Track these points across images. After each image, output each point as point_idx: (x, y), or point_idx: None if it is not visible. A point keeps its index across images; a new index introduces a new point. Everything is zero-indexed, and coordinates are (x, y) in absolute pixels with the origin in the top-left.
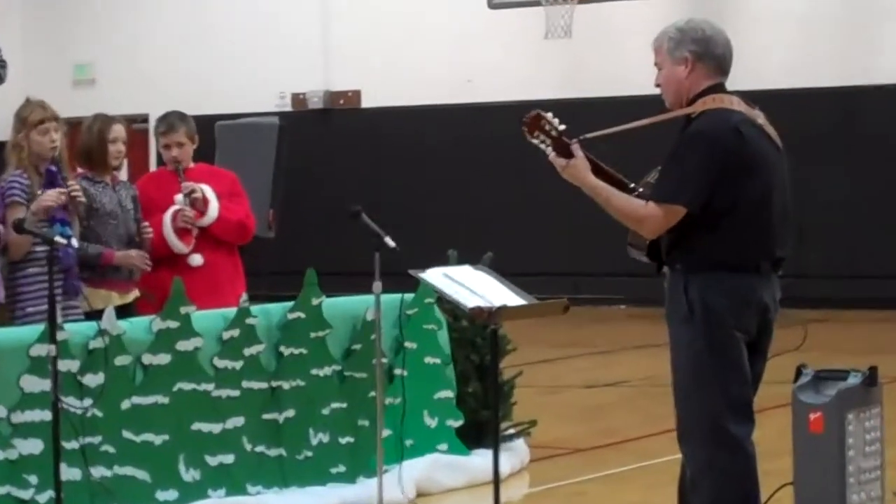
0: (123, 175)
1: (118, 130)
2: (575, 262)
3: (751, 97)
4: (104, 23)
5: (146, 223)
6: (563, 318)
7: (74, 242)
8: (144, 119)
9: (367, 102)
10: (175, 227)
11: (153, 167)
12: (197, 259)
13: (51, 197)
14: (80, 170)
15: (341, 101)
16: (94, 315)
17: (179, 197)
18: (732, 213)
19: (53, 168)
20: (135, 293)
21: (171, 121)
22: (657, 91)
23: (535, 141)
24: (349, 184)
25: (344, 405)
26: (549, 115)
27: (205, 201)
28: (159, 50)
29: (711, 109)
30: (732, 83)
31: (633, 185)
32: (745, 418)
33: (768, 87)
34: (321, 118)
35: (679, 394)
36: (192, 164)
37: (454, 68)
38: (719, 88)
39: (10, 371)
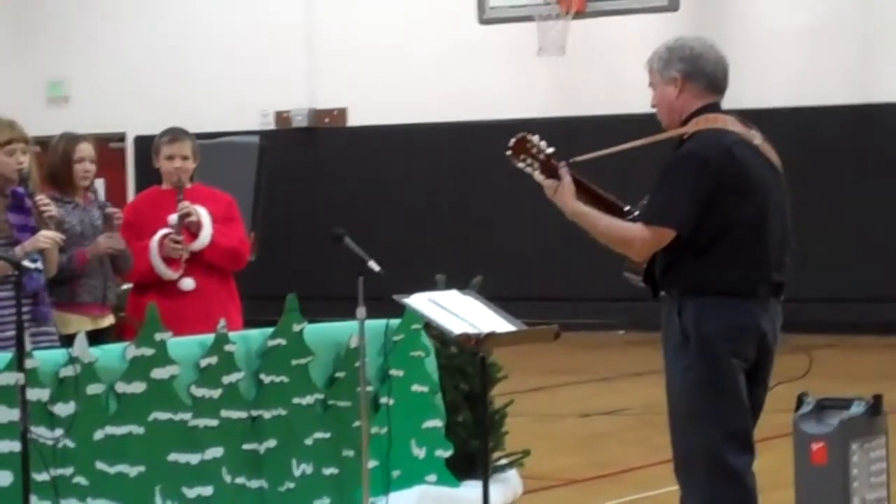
0: (101, 195)
1: (85, 150)
2: (571, 286)
3: (755, 115)
4: (79, 38)
5: (116, 210)
6: (559, 344)
7: (41, 266)
8: (121, 138)
9: (353, 121)
10: (162, 255)
11: (130, 187)
12: (188, 283)
13: (47, 238)
14: (46, 190)
15: (326, 120)
16: (68, 341)
17: (173, 217)
18: (726, 236)
19: (20, 190)
20: (109, 319)
21: (176, 132)
22: (653, 110)
23: (520, 165)
24: (334, 205)
25: (327, 435)
26: (536, 137)
27: (198, 225)
28: (137, 67)
29: (704, 130)
30: (737, 101)
31: (628, 207)
32: (744, 449)
33: (774, 104)
34: (306, 137)
35: (675, 423)
36: (188, 185)
37: (443, 85)
38: (713, 108)
39: None
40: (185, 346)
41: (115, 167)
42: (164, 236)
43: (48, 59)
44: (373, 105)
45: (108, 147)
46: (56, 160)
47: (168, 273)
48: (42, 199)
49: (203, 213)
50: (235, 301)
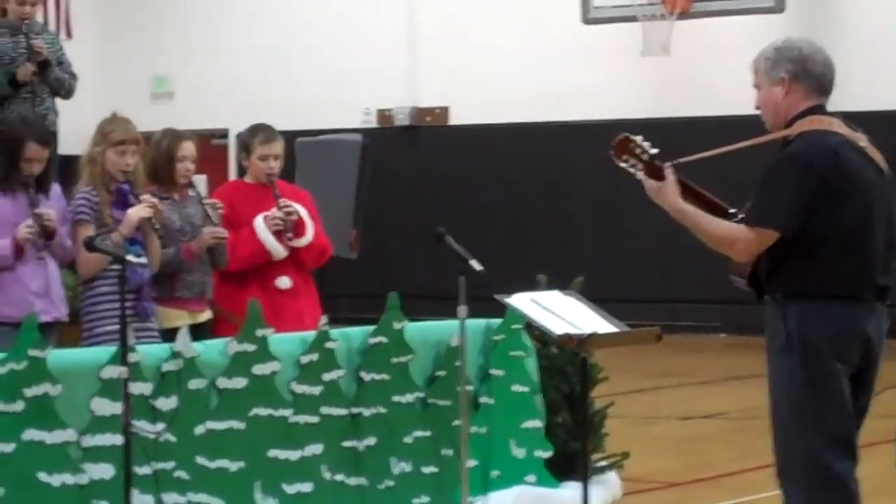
0: (202, 191)
1: (187, 148)
2: (671, 288)
3: (861, 117)
4: (184, 35)
5: (216, 201)
6: (659, 346)
7: (144, 261)
8: (224, 134)
9: (454, 119)
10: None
11: None
12: (286, 282)
13: (137, 214)
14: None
15: (428, 118)
16: (168, 335)
17: (273, 213)
18: (831, 239)
19: (125, 186)
20: (207, 314)
21: (271, 132)
22: (756, 112)
23: (623, 164)
24: (435, 203)
25: (427, 434)
26: (639, 138)
27: (300, 222)
28: (240, 64)
29: (809, 131)
30: (842, 103)
31: (733, 210)
32: (847, 455)
33: (880, 107)
34: (407, 135)
35: (778, 428)
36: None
37: (546, 85)
38: (819, 110)
39: (81, 393)
40: (286, 342)
41: (217, 163)
42: (266, 216)
43: (153, 56)
44: (474, 104)
45: (209, 143)
46: (158, 157)
47: (279, 249)
48: (148, 197)
49: (302, 211)
50: (318, 301)
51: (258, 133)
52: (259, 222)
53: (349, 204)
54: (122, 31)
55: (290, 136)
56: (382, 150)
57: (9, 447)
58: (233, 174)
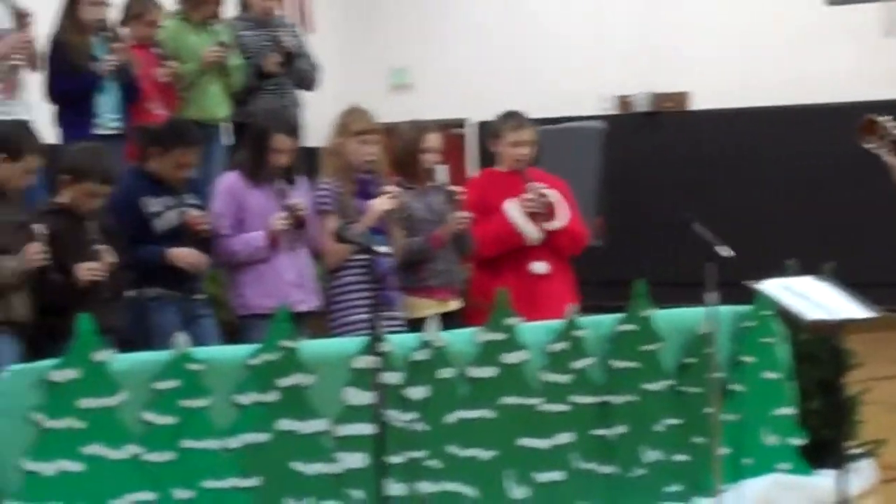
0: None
1: (432, 140)
2: None
3: None
4: (422, 27)
5: (458, 188)
6: None
7: (390, 250)
8: (460, 124)
9: (694, 105)
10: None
11: (471, 172)
12: (541, 266)
13: (381, 204)
14: (392, 177)
15: (668, 104)
16: (414, 325)
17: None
18: None
19: (368, 177)
20: (456, 302)
21: (522, 119)
22: None
23: (868, 146)
24: (678, 189)
25: (678, 421)
26: (885, 119)
27: (550, 207)
28: (478, 53)
29: None
30: None
31: None
32: None
33: None
34: (647, 121)
35: None
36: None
37: (787, 69)
38: None
39: (333, 383)
40: (534, 331)
41: (456, 153)
42: (519, 200)
43: (392, 47)
44: (715, 89)
45: (448, 133)
46: (403, 148)
47: (532, 231)
48: (390, 188)
49: (554, 195)
50: (574, 288)
51: (509, 120)
52: (509, 205)
53: (592, 191)
54: (361, 24)
55: (537, 124)
56: (623, 136)
57: (264, 437)
58: (472, 163)
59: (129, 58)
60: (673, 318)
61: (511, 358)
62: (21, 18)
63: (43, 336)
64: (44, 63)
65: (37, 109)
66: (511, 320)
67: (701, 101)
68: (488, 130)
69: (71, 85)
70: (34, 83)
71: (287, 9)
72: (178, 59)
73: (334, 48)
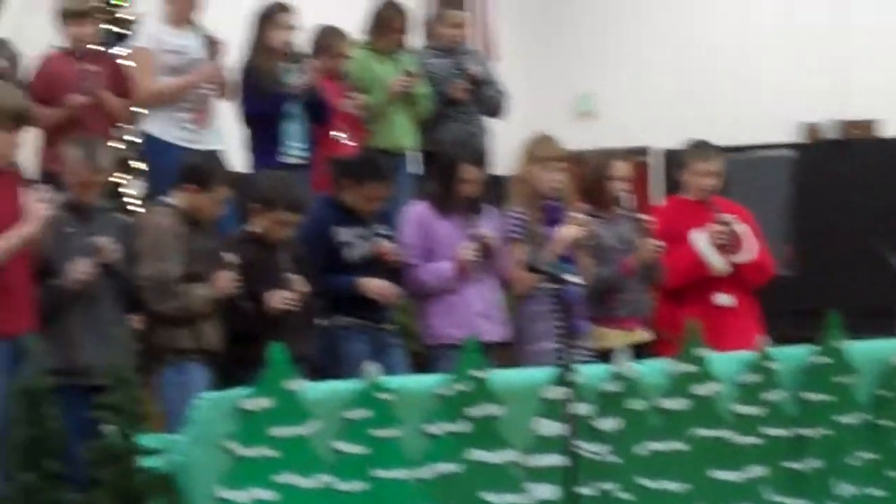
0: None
1: (620, 168)
2: None
3: None
4: (605, 54)
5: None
6: None
7: (579, 279)
8: (644, 152)
9: (885, 132)
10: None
11: (656, 200)
12: (725, 299)
13: (569, 232)
14: (580, 205)
15: (856, 131)
16: (601, 355)
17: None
18: None
19: (555, 204)
20: (645, 333)
21: (710, 149)
22: None
23: None
24: (868, 218)
25: (874, 456)
26: None
27: (738, 239)
28: (662, 80)
29: None
30: None
31: None
32: None
33: None
34: (836, 149)
35: None
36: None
37: None
38: None
39: (523, 413)
40: (725, 362)
41: (640, 181)
42: (706, 231)
43: (577, 74)
44: None
45: (632, 160)
46: (591, 176)
47: (719, 262)
48: (577, 215)
49: (741, 226)
50: (759, 320)
51: (696, 149)
52: (697, 235)
53: (780, 219)
54: (544, 50)
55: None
56: (811, 164)
57: (454, 467)
58: (656, 191)
59: (316, 81)
60: (867, 350)
61: (702, 390)
62: (213, 48)
63: (233, 364)
64: (234, 92)
65: (227, 138)
66: (702, 352)
67: (891, 128)
68: (673, 159)
69: (260, 108)
70: (225, 112)
71: (472, 37)
72: (364, 89)
73: (519, 75)
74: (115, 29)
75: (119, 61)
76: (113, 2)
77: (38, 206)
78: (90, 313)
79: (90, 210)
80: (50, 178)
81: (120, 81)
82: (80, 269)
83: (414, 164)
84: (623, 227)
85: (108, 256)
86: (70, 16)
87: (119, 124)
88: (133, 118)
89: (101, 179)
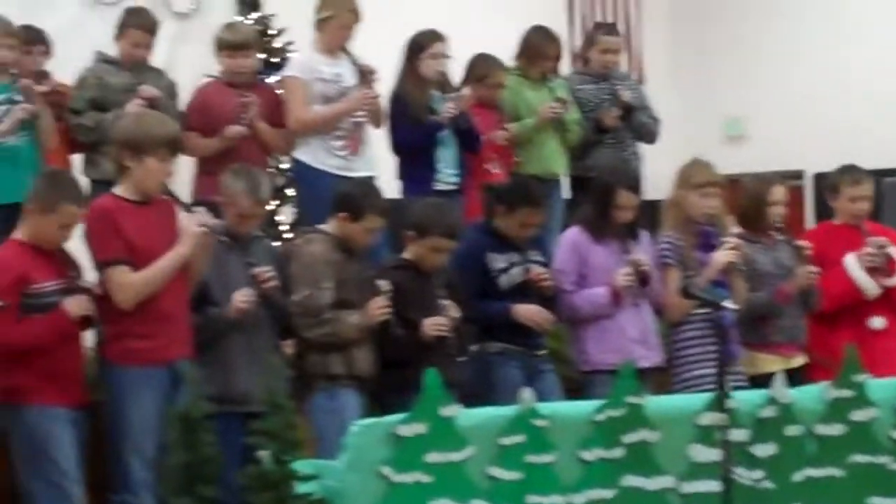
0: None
1: (778, 192)
2: None
3: None
4: (756, 77)
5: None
6: None
7: (734, 305)
8: (798, 176)
9: None
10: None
11: (809, 225)
12: (879, 322)
13: (723, 257)
14: (736, 230)
15: None
16: (756, 380)
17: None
18: None
19: (709, 229)
20: (800, 358)
21: (860, 173)
22: None
23: None
24: None
25: None
26: None
27: (891, 262)
28: (815, 103)
29: None
30: None
31: None
32: None
33: None
34: None
35: None
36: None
37: None
38: None
39: (678, 439)
40: (884, 388)
41: (795, 205)
42: (858, 255)
43: (727, 97)
44: None
45: (788, 185)
46: (748, 201)
47: (871, 286)
48: (731, 240)
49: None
50: None
51: (846, 174)
52: (850, 259)
53: None
54: (693, 75)
55: (875, 176)
56: None
57: (609, 493)
58: (809, 215)
59: (467, 108)
60: None
61: (860, 415)
62: (365, 76)
63: (385, 390)
64: (386, 119)
65: (380, 165)
66: (860, 377)
67: None
68: (825, 183)
69: (411, 136)
70: (378, 139)
71: (625, 62)
72: (516, 116)
73: (669, 100)
74: (269, 58)
75: (274, 91)
76: (269, 32)
77: (193, 228)
78: (248, 341)
79: (247, 238)
80: (204, 207)
81: (275, 111)
82: (242, 298)
83: (565, 190)
84: (781, 253)
85: (267, 285)
86: (229, 47)
87: (274, 153)
88: (289, 148)
89: (262, 212)
